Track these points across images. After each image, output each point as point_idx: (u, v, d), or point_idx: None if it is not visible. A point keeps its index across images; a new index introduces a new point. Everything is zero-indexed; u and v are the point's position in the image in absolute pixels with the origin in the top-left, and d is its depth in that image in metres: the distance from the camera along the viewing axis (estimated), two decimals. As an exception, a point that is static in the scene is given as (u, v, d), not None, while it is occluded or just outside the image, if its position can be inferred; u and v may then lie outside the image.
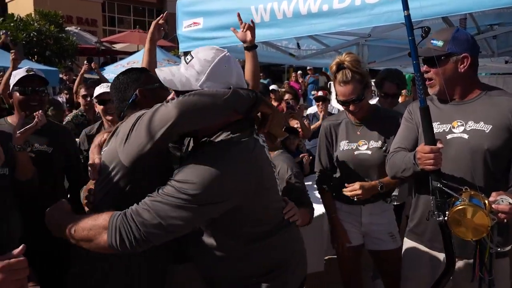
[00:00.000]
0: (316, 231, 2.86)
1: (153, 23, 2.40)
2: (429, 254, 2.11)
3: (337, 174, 2.65)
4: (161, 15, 2.52)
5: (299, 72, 13.78)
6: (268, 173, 1.58)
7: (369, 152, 2.47)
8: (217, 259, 1.59)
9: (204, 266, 1.67)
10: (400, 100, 4.01)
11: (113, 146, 1.50)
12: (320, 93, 4.99)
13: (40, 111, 2.10)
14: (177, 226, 1.33)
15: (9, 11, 18.23)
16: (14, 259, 1.11)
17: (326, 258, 3.22)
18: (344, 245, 2.61)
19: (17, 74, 2.34)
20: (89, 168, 1.59)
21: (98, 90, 3.17)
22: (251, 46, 2.44)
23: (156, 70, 1.54)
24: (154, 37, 2.37)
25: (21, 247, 1.14)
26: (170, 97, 1.61)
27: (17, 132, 1.98)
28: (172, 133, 1.34)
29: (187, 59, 1.50)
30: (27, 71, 2.32)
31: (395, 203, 3.22)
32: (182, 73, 1.47)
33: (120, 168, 1.47)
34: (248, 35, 2.45)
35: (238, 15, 2.63)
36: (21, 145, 1.99)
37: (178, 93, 1.50)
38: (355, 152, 2.50)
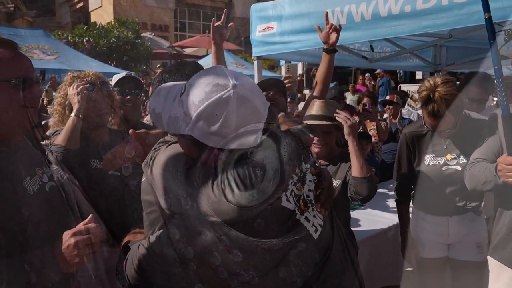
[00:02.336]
0: (391, 242, 2.74)
1: (211, 27, 2.40)
2: None
3: (421, 186, 2.45)
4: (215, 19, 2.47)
5: (367, 74, 13.38)
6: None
7: (459, 168, 2.27)
8: None
9: None
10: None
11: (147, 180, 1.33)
12: (387, 97, 4.91)
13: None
14: None
15: (92, 20, 19.76)
16: (85, 225, 1.19)
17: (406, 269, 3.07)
18: (411, 259, 2.47)
19: (117, 76, 2.48)
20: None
21: None
22: (332, 50, 2.38)
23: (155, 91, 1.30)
24: (217, 40, 2.39)
25: (89, 217, 1.21)
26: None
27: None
28: None
29: (183, 88, 1.19)
30: (126, 74, 2.46)
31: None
32: (174, 106, 1.19)
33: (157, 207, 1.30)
34: (333, 37, 2.38)
35: (326, 14, 2.56)
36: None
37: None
38: (443, 168, 2.32)
